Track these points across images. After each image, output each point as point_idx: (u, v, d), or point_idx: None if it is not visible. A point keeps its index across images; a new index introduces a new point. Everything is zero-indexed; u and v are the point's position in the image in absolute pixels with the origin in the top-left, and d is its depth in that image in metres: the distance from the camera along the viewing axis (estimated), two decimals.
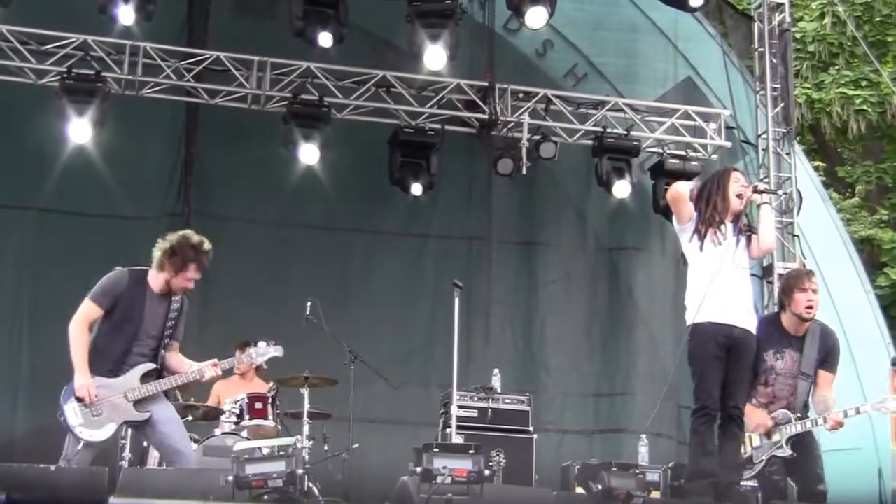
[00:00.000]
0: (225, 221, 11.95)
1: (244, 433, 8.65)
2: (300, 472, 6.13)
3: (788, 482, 7.05)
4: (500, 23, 11.74)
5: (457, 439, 8.53)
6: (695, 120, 11.94)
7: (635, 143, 11.70)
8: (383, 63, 11.61)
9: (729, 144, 11.90)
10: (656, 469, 8.87)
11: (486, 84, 11.54)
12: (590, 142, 11.73)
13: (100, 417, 6.64)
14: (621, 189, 11.62)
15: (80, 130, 10.41)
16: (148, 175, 12.16)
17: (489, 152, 11.80)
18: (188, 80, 11.01)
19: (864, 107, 17.52)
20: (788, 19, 11.89)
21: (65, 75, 10.44)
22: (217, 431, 8.76)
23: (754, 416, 6.91)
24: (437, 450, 6.36)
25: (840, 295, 10.92)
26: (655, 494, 8.43)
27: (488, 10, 11.58)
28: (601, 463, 8.59)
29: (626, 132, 11.68)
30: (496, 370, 10.02)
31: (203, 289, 8.10)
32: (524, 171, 11.43)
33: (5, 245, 11.92)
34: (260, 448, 6.18)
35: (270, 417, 8.82)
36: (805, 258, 11.15)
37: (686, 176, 10.91)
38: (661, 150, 11.88)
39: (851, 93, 17.57)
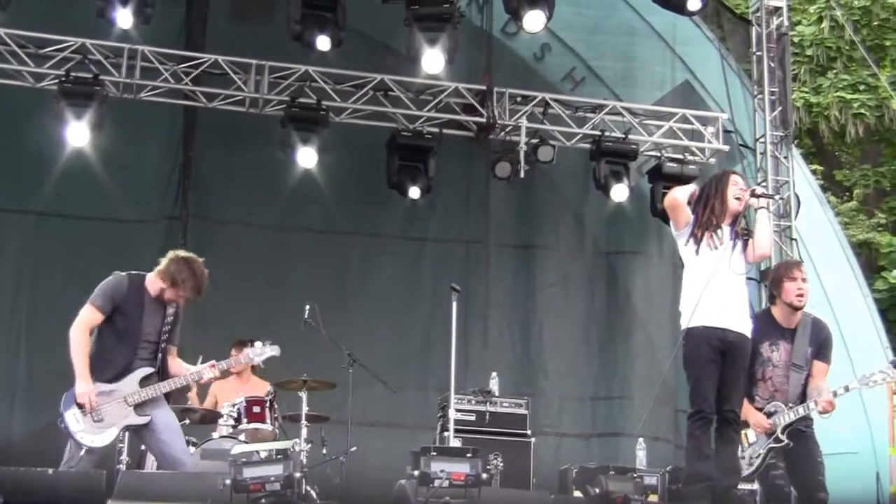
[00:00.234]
0: (223, 225, 11.99)
1: (242, 436, 8.62)
2: (298, 475, 6.15)
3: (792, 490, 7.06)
4: (498, 26, 11.74)
5: (455, 443, 8.53)
6: (693, 124, 11.91)
7: (633, 146, 11.68)
8: (381, 67, 11.60)
9: (727, 148, 11.88)
10: (654, 473, 8.90)
11: (484, 88, 11.53)
12: (588, 145, 11.72)
13: (101, 423, 6.64)
14: (619, 193, 11.59)
15: (78, 134, 10.38)
16: (146, 178, 12.16)
17: (487, 156, 11.77)
18: (186, 84, 11.00)
19: (862, 110, 17.54)
20: (786, 23, 11.90)
21: (63, 79, 10.42)
22: (215, 435, 8.73)
23: (752, 416, 6.92)
24: (434, 453, 6.38)
25: (838, 299, 10.94)
26: (653, 498, 8.45)
27: (486, 14, 11.55)
28: (599, 466, 8.63)
29: (623, 136, 11.67)
30: (494, 373, 10.04)
31: None
32: (522, 175, 11.42)
33: (3, 248, 11.91)
34: (258, 451, 6.20)
35: (268, 421, 8.78)
36: (803, 262, 11.15)
37: (684, 179, 10.91)
38: (658, 154, 11.87)
39: (849, 96, 17.60)
